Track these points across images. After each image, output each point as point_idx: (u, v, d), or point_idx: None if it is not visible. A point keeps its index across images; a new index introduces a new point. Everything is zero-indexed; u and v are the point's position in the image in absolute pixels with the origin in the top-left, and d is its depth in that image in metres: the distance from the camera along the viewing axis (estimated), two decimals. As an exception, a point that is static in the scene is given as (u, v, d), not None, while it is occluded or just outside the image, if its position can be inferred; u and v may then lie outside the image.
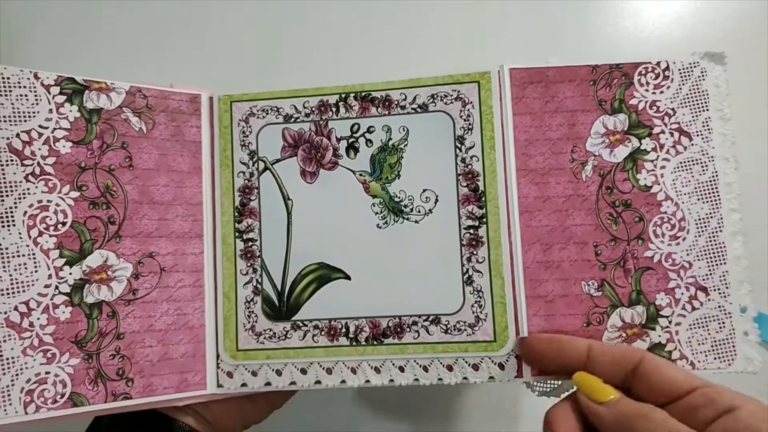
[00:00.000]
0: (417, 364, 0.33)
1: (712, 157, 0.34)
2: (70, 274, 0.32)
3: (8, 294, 0.30)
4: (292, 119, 0.36)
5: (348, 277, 0.35)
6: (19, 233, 0.31)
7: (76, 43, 0.53)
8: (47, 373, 0.31)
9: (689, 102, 0.34)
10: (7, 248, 0.31)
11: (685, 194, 0.34)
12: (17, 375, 0.30)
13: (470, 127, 0.34)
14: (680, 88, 0.34)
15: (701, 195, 0.34)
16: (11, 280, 0.30)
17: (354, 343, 0.34)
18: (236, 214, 0.36)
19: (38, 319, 0.31)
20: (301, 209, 0.35)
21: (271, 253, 0.35)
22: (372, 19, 0.52)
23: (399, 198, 0.35)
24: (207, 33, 0.53)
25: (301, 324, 0.35)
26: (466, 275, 0.34)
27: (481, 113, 0.34)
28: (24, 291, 0.31)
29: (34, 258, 0.31)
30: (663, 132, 0.34)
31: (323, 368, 0.34)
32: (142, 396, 0.33)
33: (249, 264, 0.35)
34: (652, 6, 0.51)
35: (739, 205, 0.34)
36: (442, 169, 0.34)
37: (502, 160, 0.34)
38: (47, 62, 0.52)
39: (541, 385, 0.35)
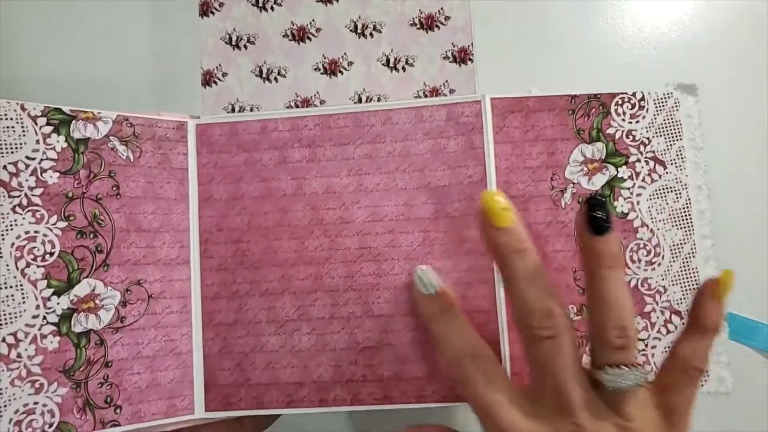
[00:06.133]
0: None
1: (685, 185, 0.35)
2: (58, 304, 0.32)
3: (-4, 326, 0.31)
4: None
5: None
6: (7, 265, 0.31)
7: (77, 43, 0.51)
8: (35, 403, 0.31)
9: (664, 131, 0.35)
10: (-6, 280, 0.31)
11: (660, 221, 0.35)
12: (5, 406, 0.30)
13: (453, 155, 0.35)
14: (655, 118, 0.35)
15: (675, 222, 0.35)
16: (-1, 312, 0.31)
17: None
18: (223, 240, 0.36)
19: (26, 350, 0.31)
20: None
21: (258, 278, 0.36)
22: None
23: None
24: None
25: (288, 349, 0.35)
26: (450, 301, 0.34)
27: (464, 142, 0.35)
28: (12, 323, 0.31)
29: (22, 289, 0.31)
30: (639, 160, 0.35)
31: (310, 392, 0.35)
32: (130, 423, 0.33)
33: (236, 290, 0.36)
34: (651, 6, 0.50)
35: (710, 232, 0.35)
36: (426, 197, 0.35)
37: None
38: (47, 63, 0.51)
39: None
